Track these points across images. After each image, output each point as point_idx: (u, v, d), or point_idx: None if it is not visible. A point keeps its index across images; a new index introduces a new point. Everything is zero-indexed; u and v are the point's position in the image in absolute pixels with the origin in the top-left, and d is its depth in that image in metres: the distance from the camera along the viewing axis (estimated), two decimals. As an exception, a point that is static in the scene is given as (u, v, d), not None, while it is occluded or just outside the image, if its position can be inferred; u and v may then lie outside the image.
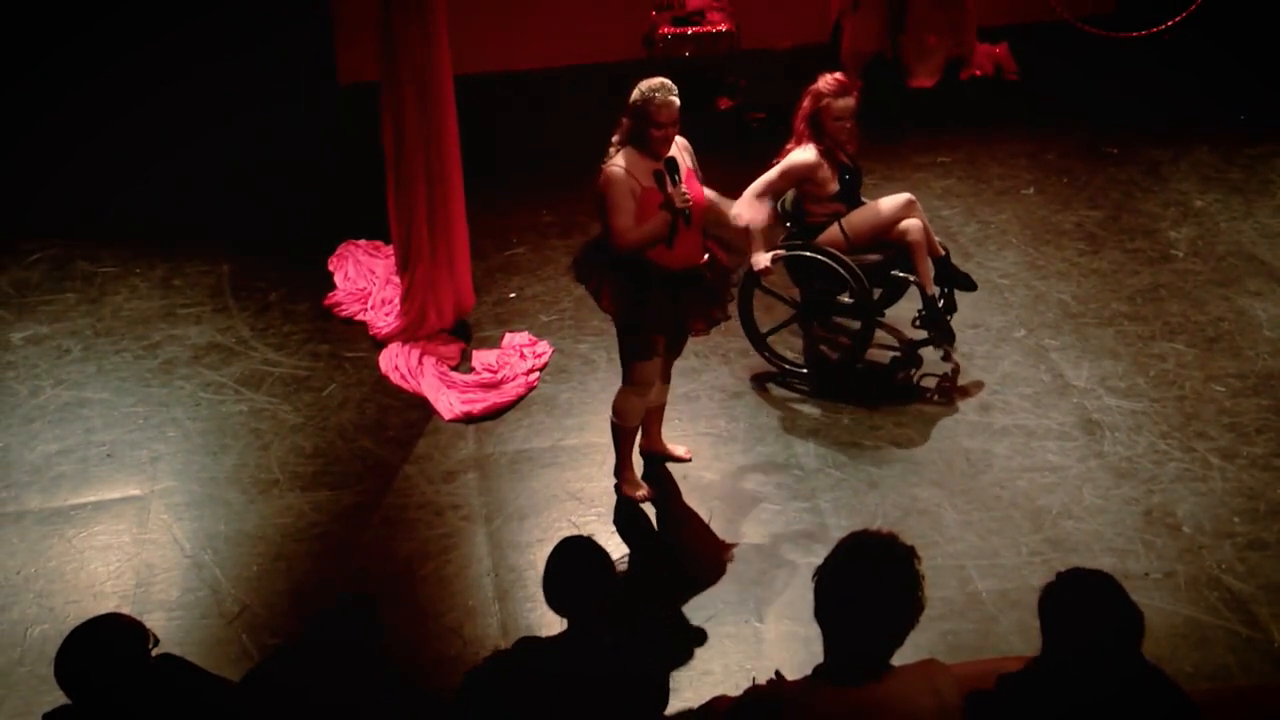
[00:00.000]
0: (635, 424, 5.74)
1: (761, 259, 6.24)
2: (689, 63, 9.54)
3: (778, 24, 10.13)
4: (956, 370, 6.56)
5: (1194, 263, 7.45)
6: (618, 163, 5.35)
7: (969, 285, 6.55)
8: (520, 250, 7.79)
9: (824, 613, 3.27)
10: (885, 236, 6.31)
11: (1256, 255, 7.50)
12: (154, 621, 5.00)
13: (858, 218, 6.33)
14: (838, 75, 6.25)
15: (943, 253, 6.45)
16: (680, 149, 5.48)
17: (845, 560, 3.27)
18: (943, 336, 6.45)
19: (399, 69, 6.46)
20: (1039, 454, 6.04)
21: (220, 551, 5.67)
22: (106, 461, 6.21)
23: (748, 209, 6.04)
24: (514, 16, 9.98)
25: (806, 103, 6.25)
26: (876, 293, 6.46)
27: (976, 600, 5.26)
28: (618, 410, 5.69)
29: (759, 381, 6.59)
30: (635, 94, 5.31)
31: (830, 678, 3.28)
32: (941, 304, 6.46)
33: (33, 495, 6.02)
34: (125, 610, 5.10)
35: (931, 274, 6.33)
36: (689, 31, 9.44)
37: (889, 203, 6.34)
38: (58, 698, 3.70)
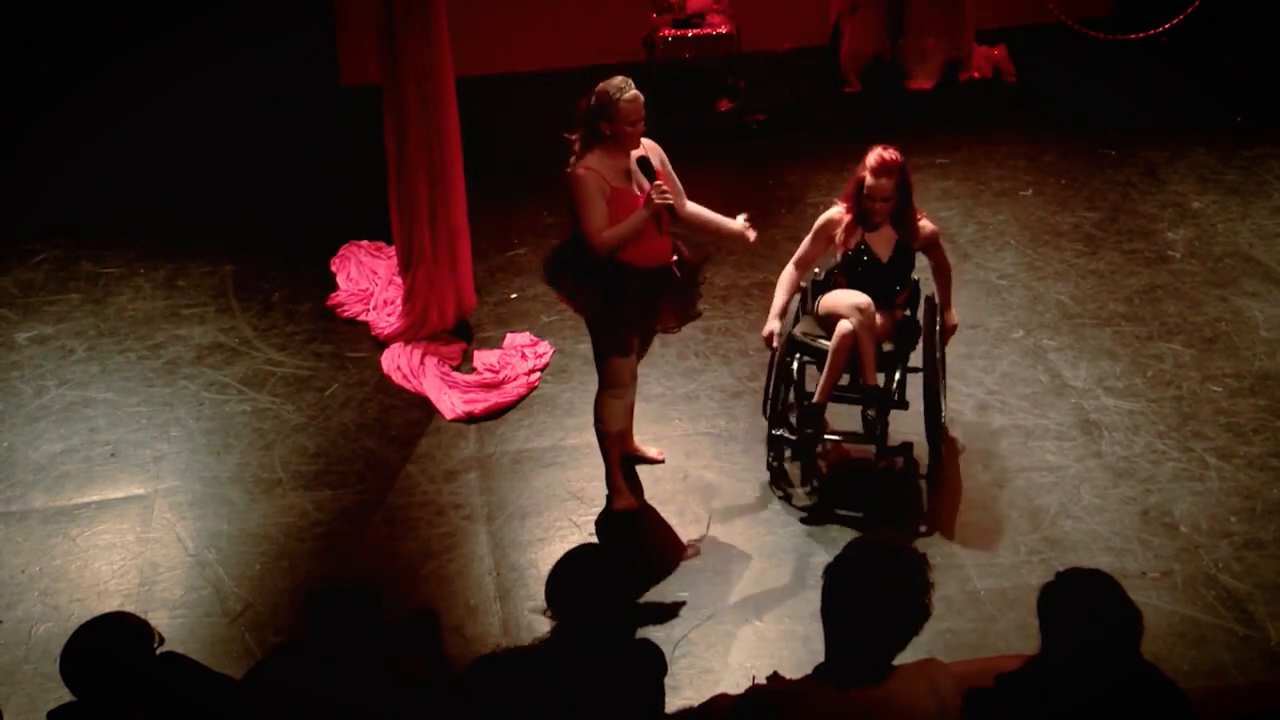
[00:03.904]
0: (618, 428, 5.74)
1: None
2: (689, 65, 9.59)
3: (777, 26, 10.18)
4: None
5: (1191, 264, 7.49)
6: (586, 164, 5.33)
7: (866, 436, 5.90)
8: (521, 251, 7.81)
9: (830, 613, 3.28)
10: (829, 325, 5.76)
11: (1253, 256, 7.54)
12: (158, 620, 5.02)
13: (826, 296, 5.85)
14: (885, 155, 5.64)
15: (874, 383, 5.72)
16: (648, 150, 5.45)
17: (855, 562, 3.29)
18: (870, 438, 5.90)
19: (401, 71, 6.49)
20: (1037, 454, 6.07)
21: (223, 550, 5.70)
22: (110, 461, 6.24)
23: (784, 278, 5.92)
24: (515, 19, 10.01)
25: (858, 168, 5.76)
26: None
27: (975, 599, 5.29)
28: (599, 415, 5.69)
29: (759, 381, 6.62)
30: (597, 96, 5.28)
31: (832, 677, 3.30)
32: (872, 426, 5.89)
33: (37, 494, 6.05)
34: (129, 609, 5.12)
35: (828, 388, 5.71)
36: (689, 34, 9.47)
37: (843, 296, 5.72)
38: (63, 695, 3.71)
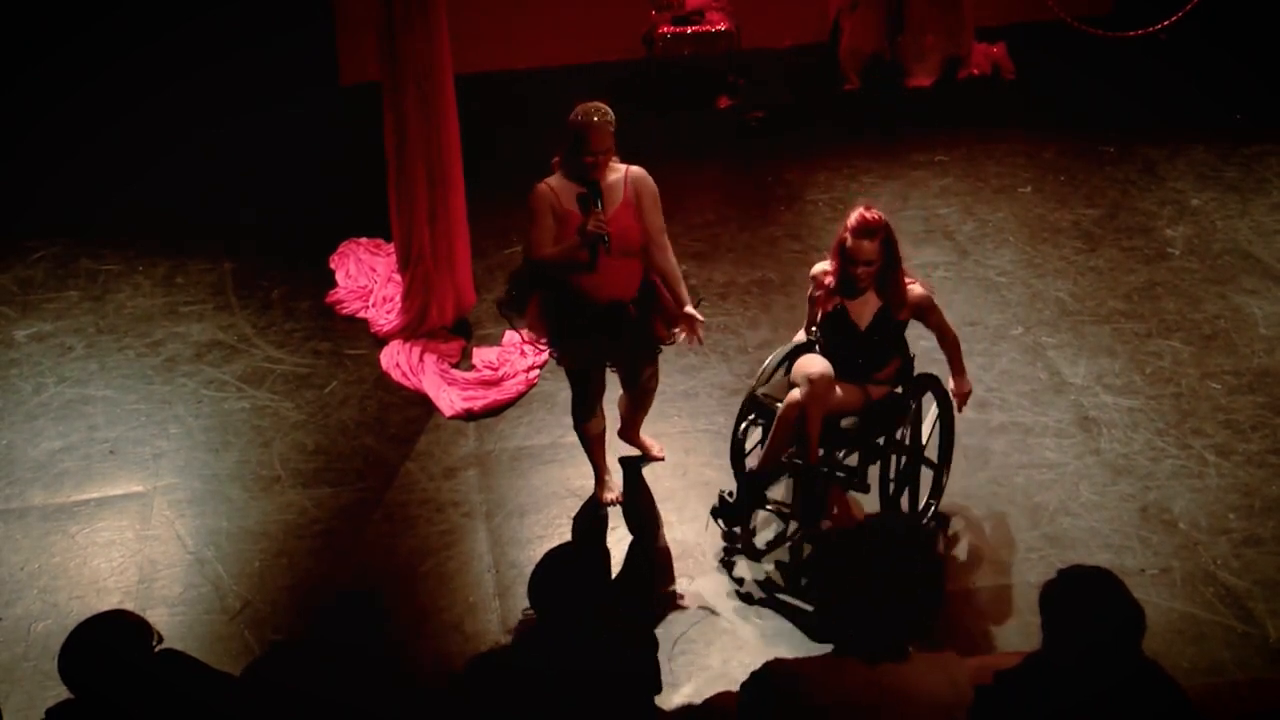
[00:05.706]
0: (592, 432, 5.73)
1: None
2: (688, 62, 9.60)
3: (777, 23, 10.17)
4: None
5: (1190, 261, 7.49)
6: (547, 180, 5.30)
7: (807, 519, 5.37)
8: (520, 249, 7.80)
9: (850, 596, 3.38)
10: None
11: (1252, 253, 7.54)
12: (156, 617, 5.03)
13: (801, 359, 5.37)
14: (867, 215, 5.14)
15: (815, 461, 5.25)
16: (631, 181, 5.30)
17: (880, 546, 3.39)
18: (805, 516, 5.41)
19: (400, 69, 6.49)
20: (1036, 451, 6.07)
21: (222, 548, 5.70)
22: (109, 458, 6.24)
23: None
24: (515, 16, 10.01)
25: (840, 228, 5.30)
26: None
27: (974, 597, 5.29)
28: (573, 416, 5.73)
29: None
30: (572, 115, 5.20)
31: (853, 654, 3.37)
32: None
33: (36, 491, 6.05)
34: (128, 606, 5.15)
35: (769, 459, 5.32)
36: (688, 31, 9.49)
37: (803, 363, 5.27)
38: (61, 693, 3.72)
